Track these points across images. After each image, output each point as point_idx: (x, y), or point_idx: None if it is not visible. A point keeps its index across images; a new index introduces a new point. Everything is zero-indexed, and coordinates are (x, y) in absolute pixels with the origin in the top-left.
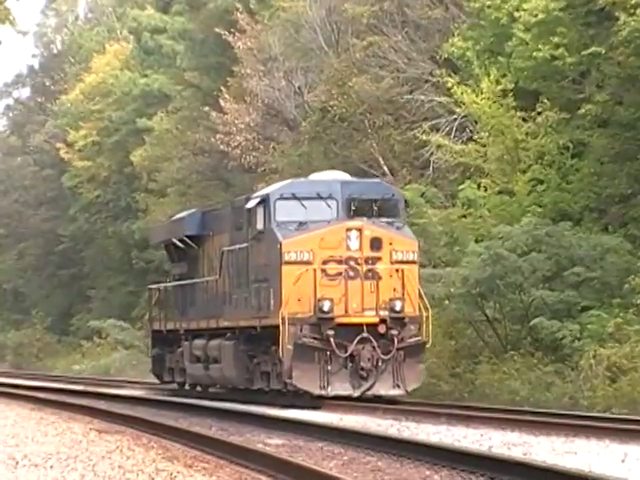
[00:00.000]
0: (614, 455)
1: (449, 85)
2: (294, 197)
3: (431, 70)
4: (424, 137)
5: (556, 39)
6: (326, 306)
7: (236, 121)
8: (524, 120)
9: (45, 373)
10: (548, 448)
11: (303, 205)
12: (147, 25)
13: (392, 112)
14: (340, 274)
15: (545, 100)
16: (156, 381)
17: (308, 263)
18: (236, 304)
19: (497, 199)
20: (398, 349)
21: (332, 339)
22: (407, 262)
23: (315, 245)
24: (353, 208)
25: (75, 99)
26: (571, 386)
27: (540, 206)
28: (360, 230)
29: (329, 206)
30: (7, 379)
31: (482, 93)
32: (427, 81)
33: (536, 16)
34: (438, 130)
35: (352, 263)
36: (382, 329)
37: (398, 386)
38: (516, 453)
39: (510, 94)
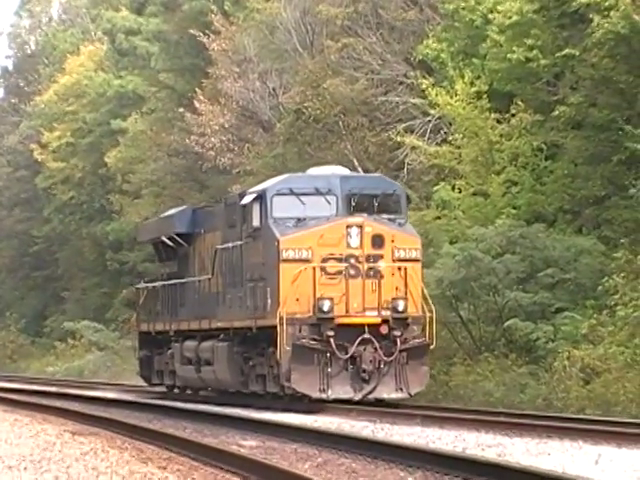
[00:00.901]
0: (587, 456)
1: (423, 87)
2: (292, 192)
3: (405, 72)
4: (398, 139)
5: (530, 41)
6: (326, 306)
7: (211, 122)
8: (498, 122)
9: (19, 375)
10: (522, 449)
11: (301, 201)
12: (121, 26)
13: (366, 114)
14: (340, 272)
15: (519, 102)
16: (130, 382)
17: (307, 261)
18: (230, 304)
19: (471, 201)
20: (401, 351)
21: (332, 340)
22: (410, 260)
23: (314, 242)
24: (353, 204)
25: (49, 100)
26: (545, 387)
27: (514, 208)
28: (361, 227)
29: (328, 202)
30: None
31: (456, 95)
32: (401, 83)
33: (510, 18)
34: (412, 132)
35: (353, 261)
36: (384, 330)
37: (401, 389)
38: (490, 454)
39: (484, 96)
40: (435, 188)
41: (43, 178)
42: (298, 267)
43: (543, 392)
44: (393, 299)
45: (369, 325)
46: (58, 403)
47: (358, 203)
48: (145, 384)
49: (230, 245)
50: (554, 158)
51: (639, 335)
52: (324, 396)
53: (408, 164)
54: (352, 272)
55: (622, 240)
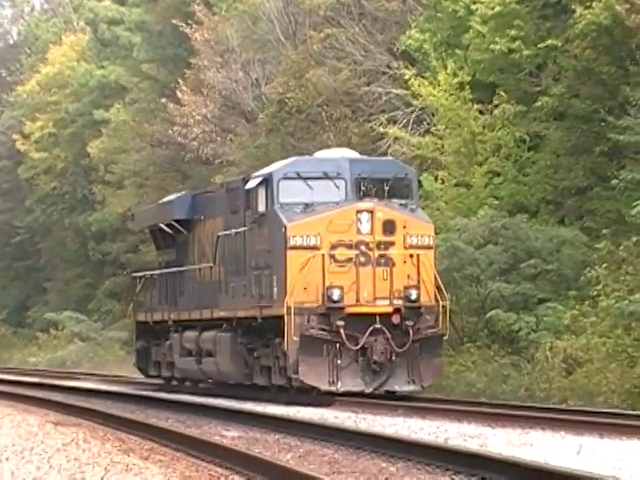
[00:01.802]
0: (569, 447)
1: (406, 77)
2: (299, 176)
3: (388, 62)
4: (381, 129)
5: (513, 32)
6: (335, 295)
7: (193, 113)
8: (481, 113)
9: (0, 365)
10: (504, 440)
11: (309, 185)
12: (104, 16)
13: (349, 104)
14: (350, 260)
15: (502, 93)
16: (112, 373)
17: (315, 248)
18: (233, 293)
19: (454, 191)
20: (414, 341)
21: (342, 330)
22: (422, 247)
23: (323, 229)
24: (363, 188)
25: (31, 90)
26: (527, 378)
27: (497, 198)
28: (372, 212)
29: (337, 186)
30: None
31: (439, 85)
32: (384, 73)
33: (493, 9)
34: (395, 122)
35: (363, 248)
36: (396, 320)
37: (413, 381)
38: (472, 445)
39: (467, 87)
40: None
41: (25, 168)
42: (306, 254)
43: (525, 383)
44: (405, 288)
45: (380, 315)
46: (40, 394)
47: (368, 188)
48: (141, 375)
49: (233, 232)
50: (537, 149)
51: (621, 326)
52: (333, 389)
53: (391, 155)
54: (362, 259)
55: (604, 231)
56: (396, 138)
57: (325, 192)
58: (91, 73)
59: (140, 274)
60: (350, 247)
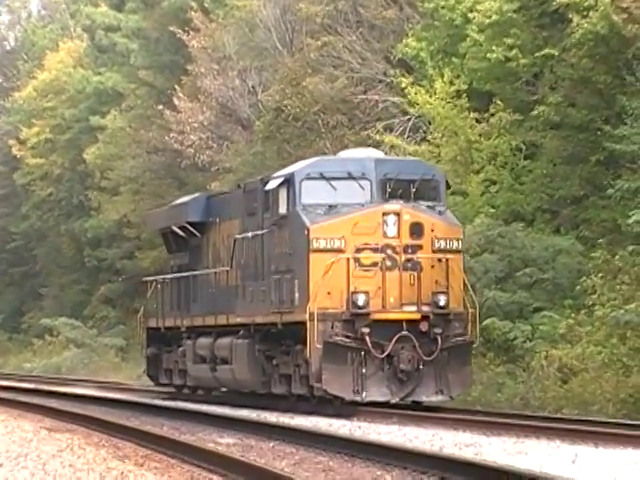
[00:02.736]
0: (564, 456)
1: (403, 85)
2: (322, 177)
3: (385, 70)
4: (378, 137)
5: (510, 40)
6: (361, 300)
7: (190, 120)
8: (477, 121)
9: None
10: (499, 448)
11: (332, 186)
12: (101, 23)
13: (346, 112)
14: (376, 264)
15: (498, 101)
16: (107, 379)
17: (340, 251)
18: (251, 298)
19: (450, 200)
20: (442, 349)
21: (367, 337)
22: (451, 251)
23: (347, 231)
24: (389, 189)
25: (28, 96)
26: (522, 387)
27: (493, 207)
28: (398, 214)
29: (362, 187)
30: None
31: (436, 94)
32: (381, 81)
33: (490, 17)
34: (392, 130)
35: (389, 252)
36: (424, 327)
37: (442, 391)
38: (467, 453)
39: (464, 95)
40: None
41: (21, 174)
42: (330, 258)
43: (520, 391)
44: (433, 293)
45: (407, 321)
46: (35, 399)
47: (394, 189)
48: (151, 384)
49: (250, 235)
50: (533, 158)
51: (616, 335)
52: (358, 398)
53: None
54: (389, 264)
55: (600, 240)
56: (392, 146)
57: (349, 193)
58: (88, 79)
59: (151, 279)
60: (376, 251)
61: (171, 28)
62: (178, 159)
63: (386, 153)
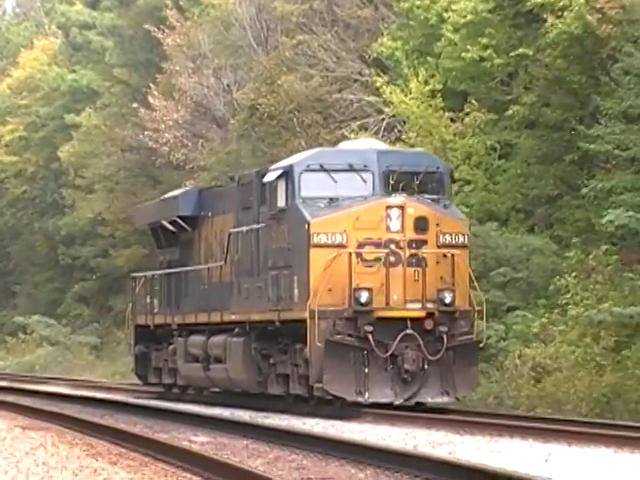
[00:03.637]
0: (538, 454)
1: (378, 85)
2: (322, 169)
3: (360, 69)
4: (352, 136)
5: (484, 40)
6: (364, 297)
7: (165, 118)
8: (452, 120)
9: None
10: (473, 447)
11: (333, 178)
12: (76, 20)
13: (321, 111)
14: (379, 260)
15: (473, 101)
16: (81, 378)
17: (341, 246)
18: (247, 295)
19: None
20: (448, 349)
21: (370, 336)
22: (457, 246)
23: (349, 225)
24: (392, 182)
25: (2, 94)
26: (496, 386)
27: (467, 206)
28: (402, 208)
29: (364, 180)
30: None
31: (411, 93)
32: (356, 80)
33: (465, 17)
34: (366, 129)
35: (393, 247)
36: (429, 325)
37: (447, 392)
38: (441, 452)
39: (438, 94)
40: None
41: None
42: (331, 253)
43: (494, 390)
44: (439, 290)
45: (412, 319)
46: (8, 398)
47: (397, 181)
48: (140, 383)
49: (246, 229)
50: (507, 157)
51: (590, 334)
52: (361, 399)
53: None
54: (392, 259)
55: (574, 240)
56: None
57: (351, 186)
58: (62, 77)
59: (140, 274)
60: (379, 246)
61: (146, 26)
62: (153, 157)
63: None
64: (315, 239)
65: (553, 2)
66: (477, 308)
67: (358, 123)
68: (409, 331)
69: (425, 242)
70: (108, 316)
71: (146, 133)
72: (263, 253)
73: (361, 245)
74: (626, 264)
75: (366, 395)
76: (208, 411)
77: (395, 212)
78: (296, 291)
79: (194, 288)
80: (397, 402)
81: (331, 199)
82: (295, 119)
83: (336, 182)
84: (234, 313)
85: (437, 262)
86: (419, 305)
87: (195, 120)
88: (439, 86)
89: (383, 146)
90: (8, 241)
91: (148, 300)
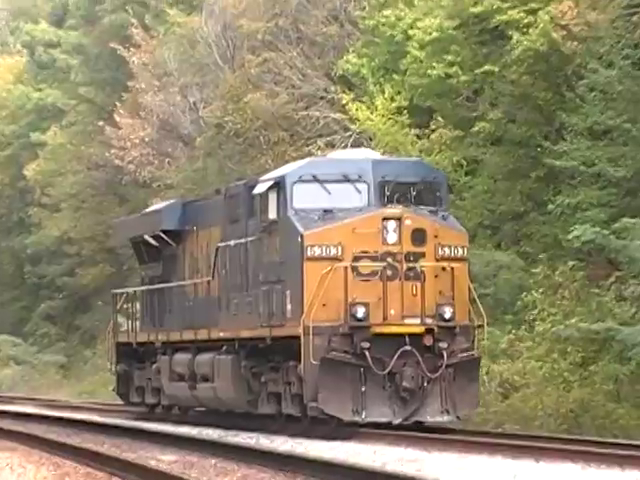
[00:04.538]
0: (506, 471)
1: (344, 102)
2: (315, 179)
3: (326, 87)
4: (319, 153)
5: (450, 57)
6: (360, 312)
7: (131, 136)
8: (418, 137)
9: None
10: (441, 464)
11: (326, 189)
12: (41, 39)
13: (287, 128)
14: (376, 273)
15: (439, 117)
16: (48, 397)
17: (336, 259)
18: (236, 311)
19: None
20: (448, 366)
21: (367, 353)
22: (456, 259)
23: (344, 238)
24: (387, 193)
25: None
26: None
27: None
28: (399, 220)
29: (358, 190)
30: None
31: (377, 110)
32: (322, 97)
33: (430, 34)
34: (333, 146)
35: (390, 260)
36: (428, 341)
37: (447, 411)
38: (409, 469)
39: (404, 111)
40: None
41: None
42: (326, 266)
43: None
44: (438, 305)
45: (410, 335)
46: None
47: (393, 192)
48: (121, 402)
49: (233, 243)
50: (474, 174)
51: (557, 350)
52: (357, 419)
53: None
54: (389, 273)
55: (541, 256)
56: None
57: (345, 197)
58: (28, 96)
59: (121, 291)
60: (375, 259)
61: (112, 44)
62: (119, 175)
63: None
64: (309, 252)
65: (518, 19)
66: (478, 323)
67: (325, 140)
68: (407, 347)
69: (423, 255)
70: (75, 335)
71: (112, 151)
72: (253, 267)
73: (357, 258)
74: (593, 280)
75: (363, 414)
76: (176, 430)
77: (392, 224)
78: (289, 306)
79: (179, 304)
80: (395, 421)
81: (325, 210)
82: (262, 137)
83: (330, 193)
84: (222, 330)
85: (436, 275)
86: (418, 320)
87: (161, 138)
88: (405, 103)
89: (377, 155)
90: None
91: (130, 317)
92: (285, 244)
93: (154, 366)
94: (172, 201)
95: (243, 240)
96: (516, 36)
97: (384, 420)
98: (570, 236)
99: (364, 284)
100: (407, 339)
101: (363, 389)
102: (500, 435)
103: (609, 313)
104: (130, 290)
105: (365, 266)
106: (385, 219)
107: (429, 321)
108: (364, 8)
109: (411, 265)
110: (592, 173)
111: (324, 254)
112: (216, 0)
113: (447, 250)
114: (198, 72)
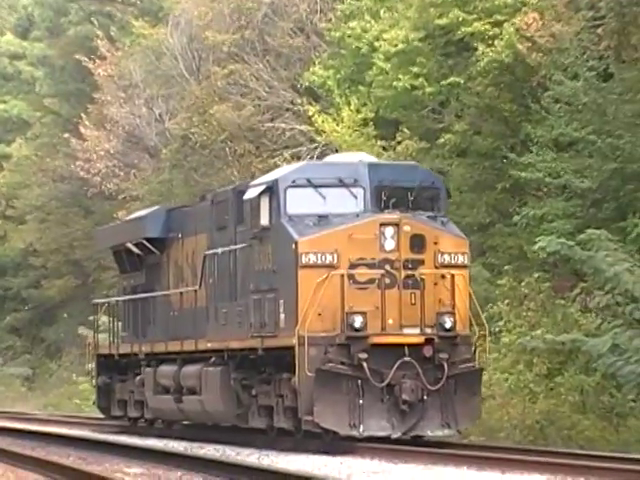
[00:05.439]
0: None
1: (310, 113)
2: (309, 184)
3: (292, 98)
4: (285, 165)
5: (416, 69)
6: (357, 322)
7: (96, 148)
8: (384, 149)
9: None
10: (407, 476)
11: (321, 194)
12: (6, 50)
13: (253, 140)
14: (373, 281)
15: (405, 129)
16: (13, 410)
17: (332, 267)
18: (225, 321)
19: None
20: (448, 377)
21: (365, 364)
22: (456, 266)
23: (341, 245)
24: (384, 198)
25: None
26: None
27: None
28: (397, 225)
29: (354, 195)
30: None
31: (343, 122)
32: (288, 109)
33: (396, 46)
34: (299, 158)
35: (388, 267)
36: (428, 352)
37: (448, 425)
38: None
39: (370, 123)
40: None
41: None
42: (321, 274)
43: None
44: (438, 314)
45: (410, 346)
46: None
47: (390, 197)
48: (102, 416)
49: (221, 250)
50: None
51: (523, 361)
52: (355, 433)
53: None
54: (387, 281)
55: (506, 267)
56: None
57: (340, 202)
58: None
59: (102, 300)
60: (373, 266)
61: (77, 56)
62: (85, 187)
63: None
64: (304, 259)
65: (483, 31)
66: (480, 333)
67: (290, 152)
68: (407, 359)
69: (422, 262)
70: (40, 347)
71: (78, 163)
72: (243, 276)
73: (353, 266)
74: (558, 291)
75: (361, 428)
76: (142, 442)
77: (390, 230)
78: (282, 316)
79: (163, 315)
80: (394, 435)
81: (320, 216)
82: (227, 148)
83: (324, 198)
84: (210, 341)
85: (435, 283)
86: (417, 330)
87: (127, 150)
88: (371, 115)
89: (373, 159)
90: None
91: (112, 328)
92: (278, 251)
93: (137, 378)
94: (156, 208)
95: (232, 247)
96: (481, 48)
97: (383, 434)
98: (535, 247)
99: (361, 292)
100: (406, 350)
101: (361, 402)
102: (466, 447)
103: (575, 324)
104: (112, 300)
105: (362, 274)
106: (382, 225)
107: (429, 331)
108: (330, 20)
109: (410, 273)
110: (557, 185)
111: (319, 261)
112: (182, 12)
113: (447, 257)
114: (164, 84)
